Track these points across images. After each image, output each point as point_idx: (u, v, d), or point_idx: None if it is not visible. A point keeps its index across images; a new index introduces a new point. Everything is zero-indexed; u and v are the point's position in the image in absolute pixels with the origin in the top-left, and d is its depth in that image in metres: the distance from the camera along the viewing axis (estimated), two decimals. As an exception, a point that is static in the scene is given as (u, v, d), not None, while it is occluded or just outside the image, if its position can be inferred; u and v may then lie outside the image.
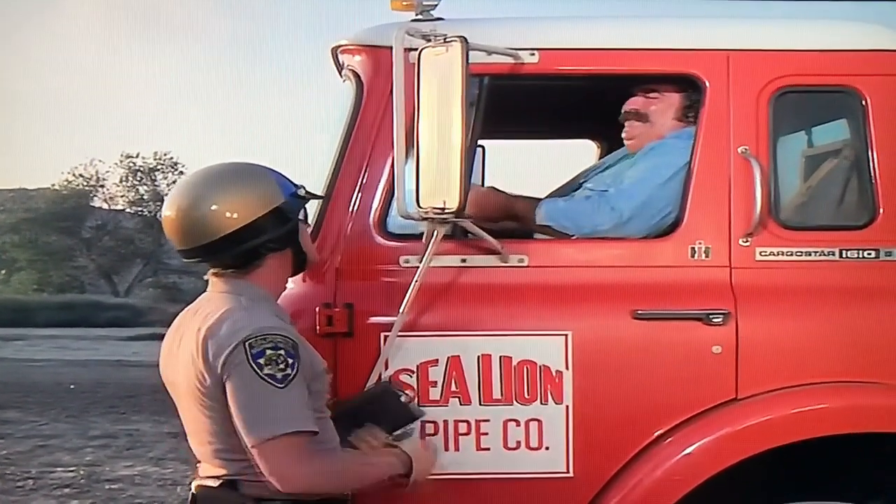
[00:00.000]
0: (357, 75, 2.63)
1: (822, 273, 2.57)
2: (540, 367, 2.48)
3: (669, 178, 2.62)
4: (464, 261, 2.55)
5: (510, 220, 2.75)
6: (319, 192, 2.45)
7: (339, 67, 2.81)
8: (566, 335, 2.48)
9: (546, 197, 2.86)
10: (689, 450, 2.46)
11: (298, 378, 2.04)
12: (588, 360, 2.48)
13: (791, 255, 2.57)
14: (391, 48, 2.35)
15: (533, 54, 2.56)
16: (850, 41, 2.64)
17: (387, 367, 2.45)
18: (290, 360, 2.03)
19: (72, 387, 12.35)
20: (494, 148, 3.52)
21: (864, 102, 2.60)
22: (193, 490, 2.18)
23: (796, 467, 2.54)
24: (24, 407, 10.47)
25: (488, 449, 2.49)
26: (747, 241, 2.56)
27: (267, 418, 2.01)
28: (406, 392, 2.37)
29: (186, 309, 2.25)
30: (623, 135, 2.82)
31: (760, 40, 2.62)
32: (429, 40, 2.31)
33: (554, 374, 2.48)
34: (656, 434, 2.49)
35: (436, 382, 2.48)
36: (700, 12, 2.88)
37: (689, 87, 2.67)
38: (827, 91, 2.67)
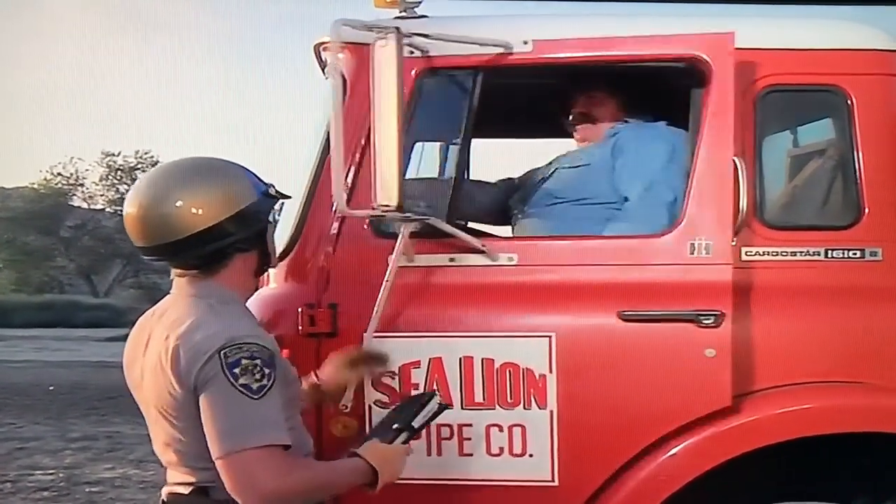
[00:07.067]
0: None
1: (807, 273, 2.55)
2: (523, 369, 2.44)
3: (668, 162, 2.67)
4: (452, 259, 2.51)
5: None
6: (294, 192, 2.38)
7: (322, 64, 2.78)
8: (550, 336, 2.44)
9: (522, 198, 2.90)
10: (674, 450, 2.44)
11: (275, 389, 1.95)
12: (573, 363, 2.44)
13: (776, 255, 2.56)
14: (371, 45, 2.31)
15: (526, 43, 2.53)
16: (836, 40, 2.63)
17: (369, 368, 2.41)
18: (267, 371, 1.93)
19: (51, 388, 12.25)
20: (481, 147, 3.49)
21: (849, 102, 2.59)
22: (164, 497, 2.10)
23: (783, 468, 2.53)
24: (3, 409, 10.37)
25: (471, 455, 2.45)
26: (733, 241, 2.54)
27: (238, 429, 1.90)
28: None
29: (150, 311, 2.15)
30: (575, 136, 2.96)
31: (746, 39, 2.60)
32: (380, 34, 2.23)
33: (537, 377, 2.44)
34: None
35: (418, 385, 2.44)
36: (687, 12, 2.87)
37: (626, 83, 2.77)
38: (812, 90, 2.66)
